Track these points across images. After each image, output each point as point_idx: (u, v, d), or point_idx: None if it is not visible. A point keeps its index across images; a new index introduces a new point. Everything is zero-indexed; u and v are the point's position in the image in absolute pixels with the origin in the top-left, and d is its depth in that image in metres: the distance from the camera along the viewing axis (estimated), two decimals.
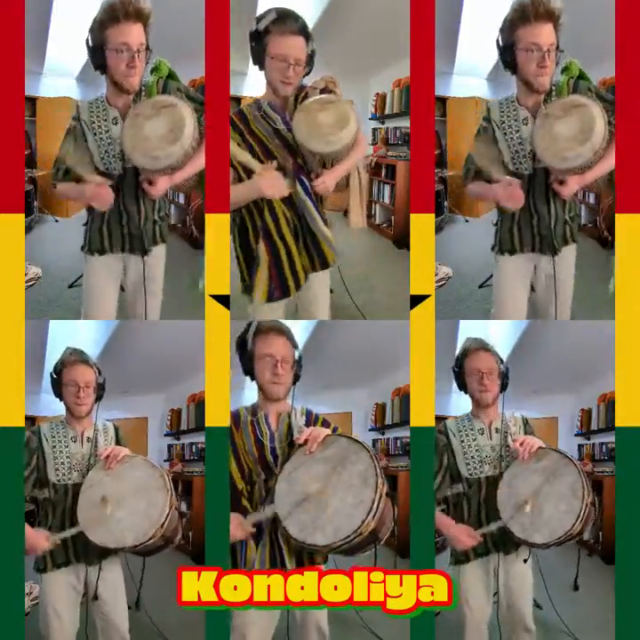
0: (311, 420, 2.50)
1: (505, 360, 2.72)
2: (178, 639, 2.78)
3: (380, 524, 2.32)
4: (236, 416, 2.50)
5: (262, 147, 2.59)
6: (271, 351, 2.44)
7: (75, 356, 2.62)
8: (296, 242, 2.64)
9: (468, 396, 2.73)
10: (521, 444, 2.60)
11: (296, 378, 2.48)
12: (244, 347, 2.48)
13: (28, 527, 2.51)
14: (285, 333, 2.47)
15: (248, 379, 2.52)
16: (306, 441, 2.40)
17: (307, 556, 2.44)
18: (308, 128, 2.52)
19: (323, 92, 2.60)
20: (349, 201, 2.74)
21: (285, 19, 2.50)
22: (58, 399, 2.65)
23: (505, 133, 2.63)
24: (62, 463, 2.59)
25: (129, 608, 2.64)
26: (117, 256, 2.67)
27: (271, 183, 2.54)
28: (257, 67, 2.58)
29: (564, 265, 2.73)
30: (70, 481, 2.57)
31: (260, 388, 2.49)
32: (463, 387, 2.73)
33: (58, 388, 2.62)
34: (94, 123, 2.59)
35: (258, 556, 2.43)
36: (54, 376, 2.62)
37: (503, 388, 2.70)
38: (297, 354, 2.48)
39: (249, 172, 2.58)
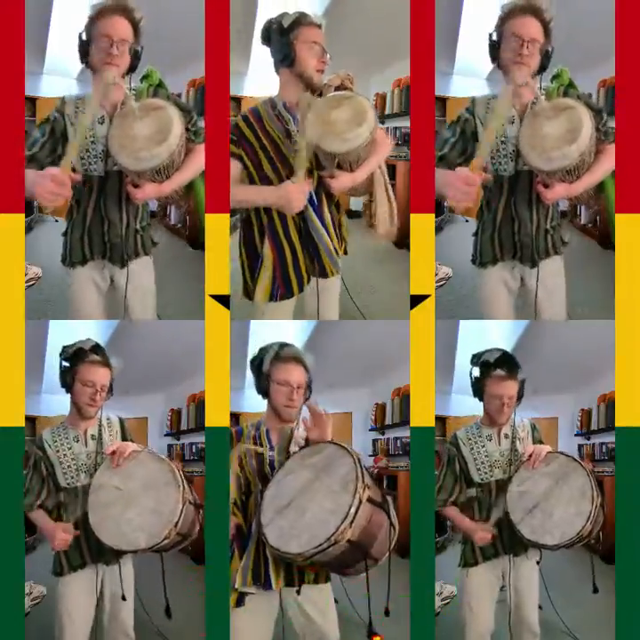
0: None
1: None
2: (178, 639, 2.77)
3: (365, 537, 2.22)
4: (239, 431, 2.51)
5: (274, 145, 2.57)
6: (289, 379, 2.46)
7: (95, 356, 2.58)
8: (301, 243, 2.63)
9: (480, 402, 2.76)
10: (529, 456, 2.65)
11: (308, 394, 2.51)
12: (259, 367, 2.49)
13: (47, 521, 2.51)
14: (303, 363, 2.49)
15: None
16: (302, 447, 2.41)
17: (297, 572, 2.41)
18: (321, 127, 2.47)
19: (338, 89, 2.56)
20: (377, 209, 2.68)
21: (305, 14, 2.53)
22: (64, 390, 2.60)
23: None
24: (68, 466, 2.58)
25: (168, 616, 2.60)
26: (100, 263, 2.64)
27: (289, 198, 2.50)
28: (279, 63, 2.55)
29: (549, 277, 2.69)
30: (79, 483, 2.56)
31: (274, 409, 2.50)
32: (479, 396, 2.74)
33: (70, 382, 2.57)
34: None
35: (240, 567, 2.38)
36: (65, 367, 2.56)
37: (518, 400, 2.73)
38: (308, 378, 2.50)
39: (260, 173, 2.56)
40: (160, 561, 2.52)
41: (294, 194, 2.50)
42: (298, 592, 2.42)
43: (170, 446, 3.65)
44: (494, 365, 2.67)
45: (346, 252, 2.75)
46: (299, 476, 2.34)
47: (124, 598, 2.58)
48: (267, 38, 2.55)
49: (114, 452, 2.52)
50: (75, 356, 2.57)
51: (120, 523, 2.43)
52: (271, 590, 2.40)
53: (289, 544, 2.23)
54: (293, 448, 2.43)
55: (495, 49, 2.57)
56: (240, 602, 2.40)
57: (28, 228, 3.04)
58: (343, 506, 2.19)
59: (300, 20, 2.51)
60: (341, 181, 2.56)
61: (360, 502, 2.20)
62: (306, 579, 2.44)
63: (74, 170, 2.49)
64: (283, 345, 2.50)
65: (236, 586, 2.38)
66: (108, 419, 2.65)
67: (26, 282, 2.76)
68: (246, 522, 2.43)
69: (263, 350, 2.51)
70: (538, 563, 2.70)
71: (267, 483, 2.40)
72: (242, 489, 2.43)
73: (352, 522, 2.18)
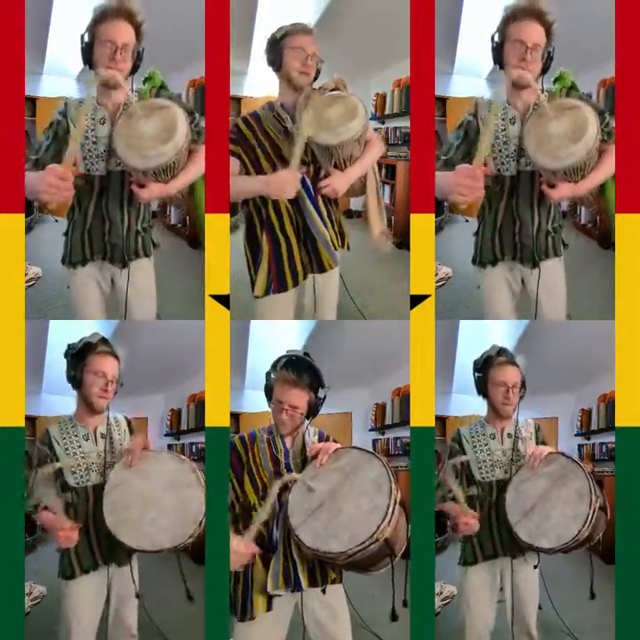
0: (323, 439, 2.55)
1: None
2: (178, 639, 2.77)
3: (394, 535, 2.32)
4: (251, 435, 2.53)
5: (272, 144, 2.60)
6: (283, 399, 2.48)
7: (105, 347, 2.55)
8: (297, 239, 2.65)
9: (484, 400, 2.75)
10: (531, 456, 2.64)
11: (316, 411, 2.52)
12: (267, 381, 2.51)
13: (52, 518, 2.46)
14: (302, 385, 2.48)
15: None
16: (317, 454, 2.45)
17: (320, 573, 2.45)
18: (316, 121, 2.52)
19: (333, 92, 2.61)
20: (368, 210, 2.73)
21: (299, 24, 2.59)
22: (71, 386, 2.56)
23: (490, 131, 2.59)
24: (78, 465, 2.54)
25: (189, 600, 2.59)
26: (100, 264, 2.64)
27: (282, 184, 2.53)
28: (271, 69, 2.61)
29: (549, 278, 2.69)
30: (89, 482, 2.53)
31: (274, 421, 2.53)
32: (482, 393, 2.74)
33: (79, 376, 2.53)
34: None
35: (271, 572, 2.41)
36: (73, 361, 2.53)
37: (521, 397, 2.72)
38: (322, 394, 2.50)
39: (256, 167, 2.59)
40: (177, 560, 2.52)
41: (287, 180, 2.53)
42: (323, 591, 2.46)
43: (170, 446, 3.66)
44: (496, 355, 2.70)
45: (349, 248, 2.77)
46: (324, 480, 2.39)
47: (137, 596, 2.57)
48: (266, 50, 2.61)
49: (128, 451, 2.51)
50: (83, 350, 2.54)
51: (142, 523, 2.42)
52: (301, 590, 2.43)
53: (329, 543, 2.29)
54: (309, 452, 2.49)
55: (497, 50, 2.57)
56: (270, 606, 2.43)
57: (28, 228, 3.04)
58: (381, 506, 2.29)
59: (290, 29, 2.57)
60: (338, 184, 2.59)
61: (395, 502, 2.31)
62: (328, 579, 2.47)
63: (76, 164, 2.50)
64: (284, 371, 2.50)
65: (269, 589, 2.40)
66: (115, 418, 2.62)
67: (26, 282, 2.76)
68: (265, 525, 2.44)
69: (273, 365, 2.52)
70: (535, 567, 2.69)
71: (283, 486, 2.43)
72: (259, 494, 2.45)
73: (390, 520, 2.28)
